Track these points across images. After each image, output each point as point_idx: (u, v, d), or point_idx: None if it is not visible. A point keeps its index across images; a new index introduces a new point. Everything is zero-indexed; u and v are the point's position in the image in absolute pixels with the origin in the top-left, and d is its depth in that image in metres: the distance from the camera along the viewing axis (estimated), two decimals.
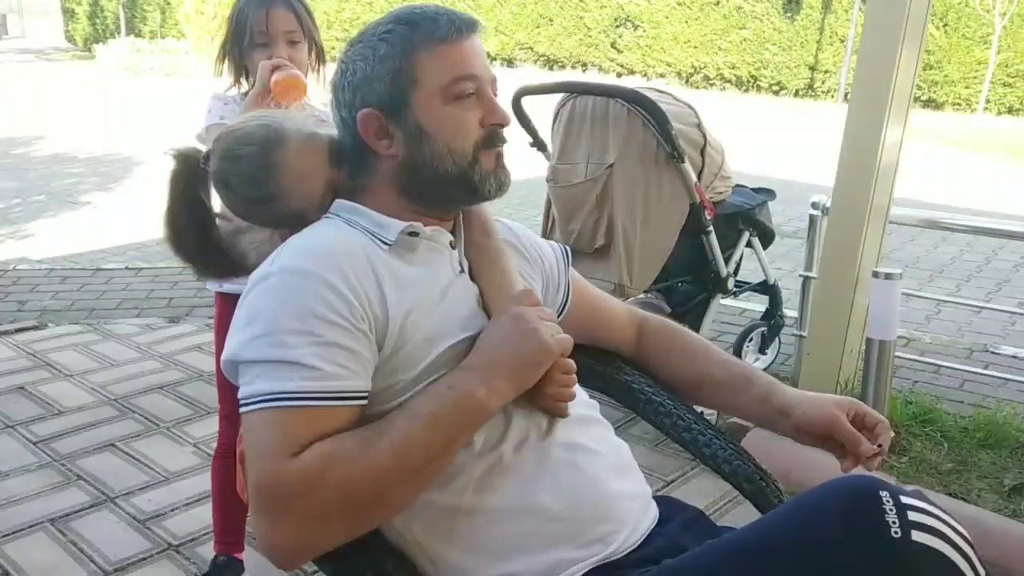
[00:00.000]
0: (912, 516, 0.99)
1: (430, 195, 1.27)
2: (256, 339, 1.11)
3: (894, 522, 0.98)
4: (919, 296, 4.33)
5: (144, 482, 2.74)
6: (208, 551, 2.39)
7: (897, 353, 3.34)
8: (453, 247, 1.30)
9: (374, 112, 1.23)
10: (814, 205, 3.39)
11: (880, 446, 1.32)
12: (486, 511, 1.16)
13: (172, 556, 2.39)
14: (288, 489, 1.05)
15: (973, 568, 1.01)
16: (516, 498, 1.17)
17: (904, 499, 1.01)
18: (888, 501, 1.00)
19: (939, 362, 3.70)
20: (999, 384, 3.61)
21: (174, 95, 12.75)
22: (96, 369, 3.58)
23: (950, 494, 2.72)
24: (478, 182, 1.26)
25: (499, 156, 1.28)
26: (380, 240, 1.22)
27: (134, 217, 6.35)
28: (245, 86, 2.04)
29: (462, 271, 1.29)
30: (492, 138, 1.26)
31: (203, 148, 2.00)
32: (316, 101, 2.08)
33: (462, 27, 1.23)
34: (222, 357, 1.16)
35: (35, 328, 4.04)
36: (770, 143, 10.10)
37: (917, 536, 0.98)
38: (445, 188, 1.26)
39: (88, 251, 5.49)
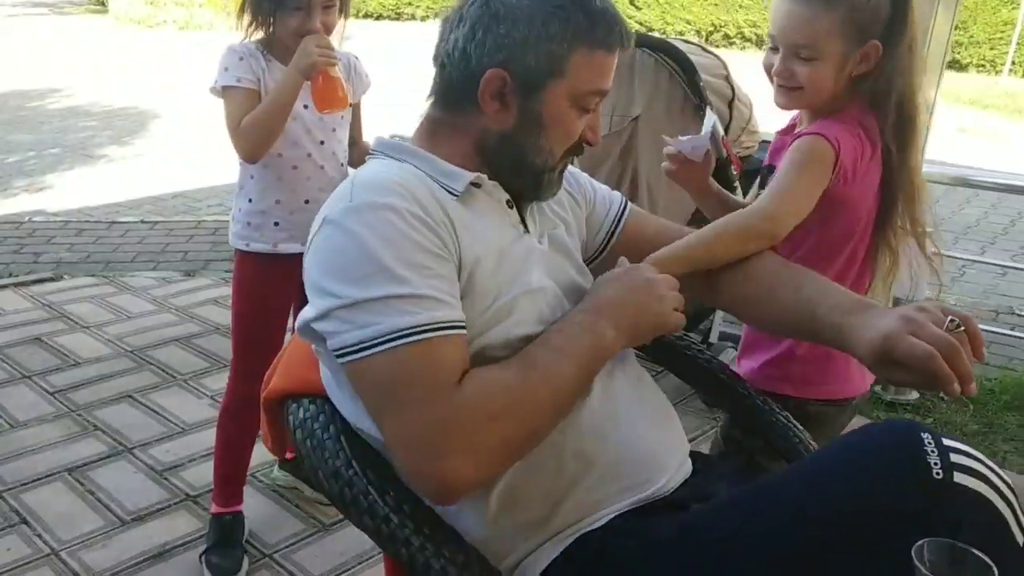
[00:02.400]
0: (954, 458, 0.98)
1: (501, 169, 1.24)
2: (366, 278, 1.06)
3: (936, 463, 0.97)
4: (946, 255, 4.25)
5: (161, 433, 2.73)
6: None
7: None
8: (510, 206, 1.27)
9: (506, 76, 1.18)
10: None
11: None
12: (534, 455, 1.13)
13: (190, 506, 2.38)
14: (464, 420, 1.03)
15: (1014, 513, 0.99)
16: (560, 444, 1.15)
17: (947, 442, 1.00)
18: (930, 443, 0.99)
19: None
20: None
21: (188, 49, 12.66)
22: (112, 321, 3.57)
23: None
24: (546, 184, 1.27)
25: (565, 168, 1.30)
26: (448, 189, 1.19)
27: (149, 171, 6.32)
28: (260, 32, 1.99)
29: (526, 231, 1.28)
30: (579, 149, 1.27)
31: (219, 99, 1.96)
32: (337, 43, 2.04)
33: (625, 42, 1.21)
34: (312, 311, 1.10)
35: (51, 280, 4.02)
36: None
37: (959, 478, 0.96)
38: (519, 173, 1.25)
39: (103, 204, 5.46)
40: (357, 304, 1.06)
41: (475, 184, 1.21)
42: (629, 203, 1.51)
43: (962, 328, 1.05)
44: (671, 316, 1.22)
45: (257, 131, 1.91)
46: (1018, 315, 4.00)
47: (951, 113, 9.76)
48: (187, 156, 6.65)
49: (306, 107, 1.98)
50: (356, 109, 2.18)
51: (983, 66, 14.99)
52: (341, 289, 1.07)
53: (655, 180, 2.90)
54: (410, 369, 1.04)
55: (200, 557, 2.15)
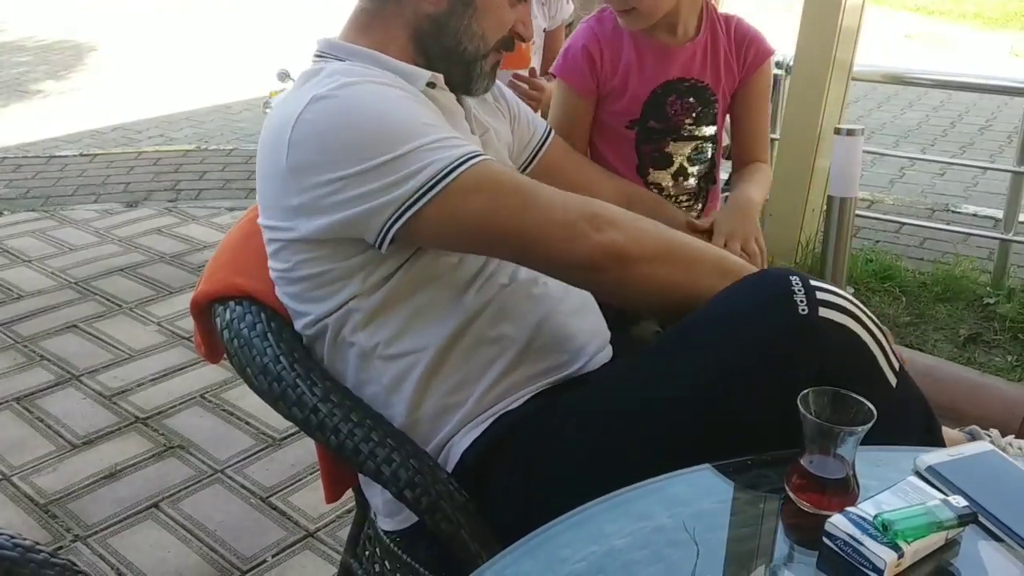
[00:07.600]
0: (820, 295, 1.03)
1: (435, 59, 1.24)
2: (391, 135, 1.07)
3: (802, 301, 1.01)
4: (884, 154, 4.31)
5: (109, 360, 2.73)
6: (177, 423, 2.42)
7: (860, 213, 3.36)
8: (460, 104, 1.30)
9: None
10: (778, 64, 3.33)
11: None
12: (457, 339, 1.17)
13: (140, 428, 2.40)
14: (599, 204, 1.12)
15: (880, 345, 1.05)
16: (479, 327, 1.18)
17: (815, 283, 1.04)
18: (797, 283, 1.03)
19: (901, 220, 3.72)
20: (959, 240, 3.65)
21: None
22: (55, 254, 3.53)
23: (907, 345, 2.78)
24: (475, 77, 1.27)
25: (496, 64, 1.30)
26: (410, 84, 1.21)
27: (87, 104, 6.17)
28: None
29: (472, 133, 1.30)
30: (507, 43, 1.27)
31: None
32: None
33: None
34: (333, 190, 1.07)
35: None
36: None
37: (824, 312, 1.01)
38: (451, 61, 1.25)
39: (41, 139, 5.33)
40: (399, 157, 1.06)
41: (431, 84, 1.22)
42: (553, 132, 1.53)
43: None
44: None
45: None
46: (953, 212, 4.09)
47: (897, 19, 9.79)
48: (125, 88, 6.49)
49: None
50: (552, 35, 2.14)
51: None
52: (368, 152, 1.06)
53: None
54: (504, 176, 1.12)
55: None
